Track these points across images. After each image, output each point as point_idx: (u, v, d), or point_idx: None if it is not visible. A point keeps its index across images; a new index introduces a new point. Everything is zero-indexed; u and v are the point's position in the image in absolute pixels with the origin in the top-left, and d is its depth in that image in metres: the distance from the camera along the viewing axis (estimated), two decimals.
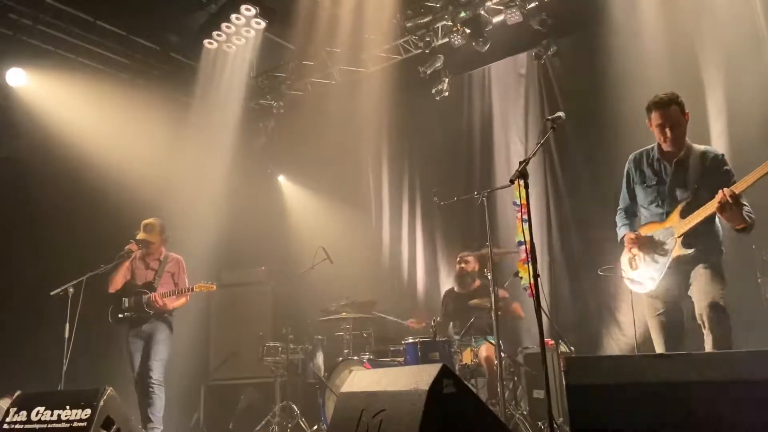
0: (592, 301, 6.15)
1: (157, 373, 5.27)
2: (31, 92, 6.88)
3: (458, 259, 6.11)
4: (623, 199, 3.82)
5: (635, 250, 3.56)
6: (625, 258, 3.65)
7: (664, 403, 2.17)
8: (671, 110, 3.43)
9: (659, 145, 3.57)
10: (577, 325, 6.19)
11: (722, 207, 3.09)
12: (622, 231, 3.72)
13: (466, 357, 5.32)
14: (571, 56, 6.68)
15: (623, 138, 6.08)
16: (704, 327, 3.21)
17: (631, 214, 3.78)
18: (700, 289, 3.26)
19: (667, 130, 3.44)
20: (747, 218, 3.16)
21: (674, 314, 3.44)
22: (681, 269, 3.37)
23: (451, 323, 6.05)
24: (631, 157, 3.76)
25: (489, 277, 4.60)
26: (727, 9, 5.43)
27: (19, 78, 6.77)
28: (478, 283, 6.00)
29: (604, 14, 6.06)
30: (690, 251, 3.30)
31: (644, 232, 3.57)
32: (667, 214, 3.47)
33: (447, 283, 7.12)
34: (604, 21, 6.08)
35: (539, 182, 6.66)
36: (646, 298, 3.54)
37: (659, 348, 3.45)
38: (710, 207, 3.18)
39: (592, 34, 6.38)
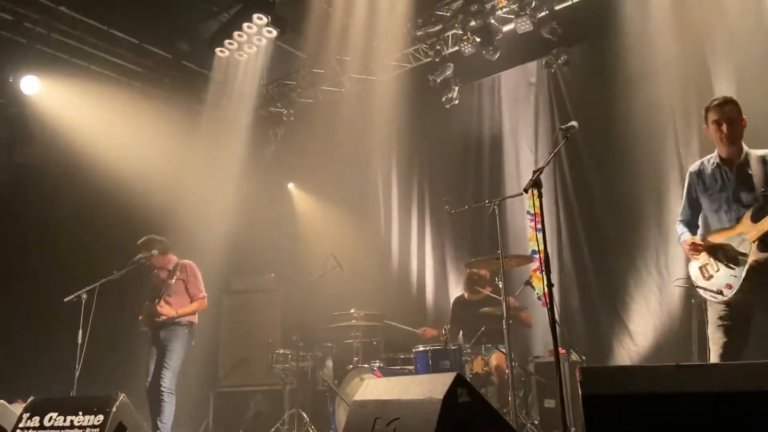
0: (602, 310, 6.12)
1: (167, 381, 5.27)
2: (45, 99, 6.94)
3: (468, 269, 6.10)
4: (683, 212, 3.80)
5: (703, 257, 3.52)
6: (694, 267, 3.58)
7: (682, 415, 2.16)
8: (726, 108, 3.51)
9: (718, 154, 3.60)
10: (588, 334, 6.16)
11: None
12: (683, 237, 3.68)
13: (477, 366, 5.31)
14: (581, 65, 6.69)
15: (633, 147, 6.10)
16: None
17: (693, 226, 3.75)
18: None
19: (723, 127, 3.48)
20: None
21: (741, 324, 3.37)
22: (759, 276, 3.29)
23: (460, 331, 6.03)
24: (691, 169, 3.76)
25: (500, 285, 4.60)
26: (739, 19, 5.43)
27: (33, 85, 6.84)
28: (488, 290, 5.99)
29: (614, 23, 6.06)
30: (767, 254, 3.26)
31: (714, 239, 3.52)
32: (738, 219, 3.43)
33: (456, 290, 7.11)
34: (615, 30, 6.08)
35: (550, 191, 6.64)
36: (716, 304, 3.45)
37: (714, 357, 3.37)
38: None
39: (603, 43, 6.39)
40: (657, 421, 2.20)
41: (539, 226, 3.19)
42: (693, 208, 3.74)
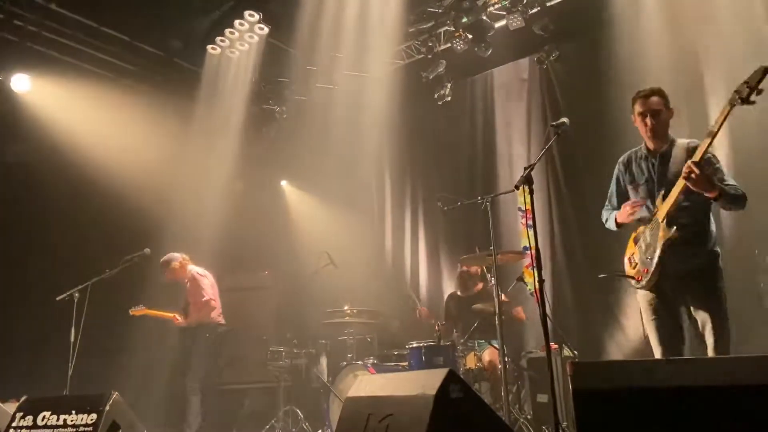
0: (595, 305, 6.15)
1: (188, 381, 5.87)
2: (36, 98, 6.91)
3: (461, 265, 6.12)
4: (610, 200, 3.82)
5: (630, 247, 3.54)
6: (625, 258, 3.63)
7: (673, 409, 2.17)
8: (651, 100, 3.48)
9: (645, 145, 3.60)
10: (580, 329, 6.19)
11: (687, 177, 3.11)
12: (613, 215, 3.67)
13: (470, 361, 5.32)
14: (573, 61, 6.70)
15: (626, 143, 6.02)
16: (704, 335, 3.24)
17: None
18: (701, 309, 3.27)
19: (648, 119, 3.47)
20: (723, 188, 3.17)
21: (671, 318, 3.40)
22: (670, 255, 3.28)
23: (454, 327, 6.06)
24: (620, 159, 3.77)
25: (492, 281, 4.61)
26: (730, 16, 5.44)
27: (24, 84, 6.79)
28: (480, 286, 6.01)
29: (606, 19, 6.08)
30: (673, 230, 3.23)
31: (640, 229, 3.53)
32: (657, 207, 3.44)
33: (450, 287, 7.13)
34: (607, 26, 6.09)
35: (542, 187, 6.66)
36: (643, 299, 3.48)
37: (657, 353, 3.40)
38: (680, 182, 3.18)
39: (595, 39, 6.40)
40: (647, 415, 2.21)
41: (530, 222, 3.20)
42: (620, 199, 3.73)
